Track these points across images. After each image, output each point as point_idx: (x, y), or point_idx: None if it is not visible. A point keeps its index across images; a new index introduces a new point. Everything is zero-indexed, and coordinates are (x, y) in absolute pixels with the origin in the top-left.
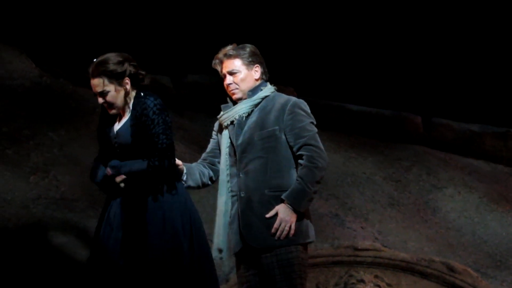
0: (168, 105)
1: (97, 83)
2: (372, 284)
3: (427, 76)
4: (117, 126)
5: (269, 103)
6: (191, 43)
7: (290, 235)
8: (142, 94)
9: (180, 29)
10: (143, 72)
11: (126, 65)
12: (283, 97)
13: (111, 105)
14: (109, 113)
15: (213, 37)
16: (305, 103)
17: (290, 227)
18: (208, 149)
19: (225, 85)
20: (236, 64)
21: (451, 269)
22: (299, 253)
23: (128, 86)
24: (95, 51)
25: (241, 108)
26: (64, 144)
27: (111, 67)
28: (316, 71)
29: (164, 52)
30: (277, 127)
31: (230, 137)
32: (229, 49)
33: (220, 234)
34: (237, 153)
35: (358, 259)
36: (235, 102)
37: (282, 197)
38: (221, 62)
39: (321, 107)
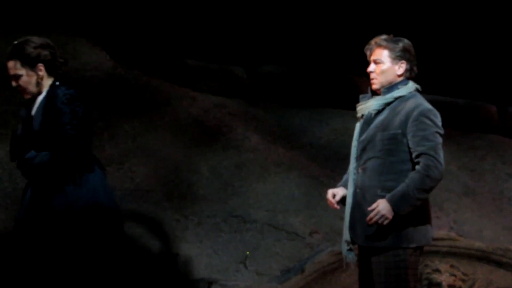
0: (242, 96)
1: (11, 66)
2: (447, 274)
3: (502, 64)
4: (32, 112)
5: (401, 104)
6: (265, 33)
7: (382, 226)
8: (57, 83)
9: (254, 19)
10: (62, 60)
11: (40, 50)
12: (415, 102)
13: (23, 89)
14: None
15: (286, 28)
16: (435, 112)
17: (382, 222)
18: None
19: (367, 71)
20: (383, 54)
21: None
22: (407, 256)
23: (41, 73)
24: (168, 43)
25: (372, 104)
26: (138, 135)
27: (26, 51)
28: None
29: (238, 43)
30: (399, 131)
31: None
32: (382, 38)
33: (346, 226)
34: (357, 149)
35: (434, 248)
36: (374, 93)
37: (386, 197)
38: (372, 49)
39: None
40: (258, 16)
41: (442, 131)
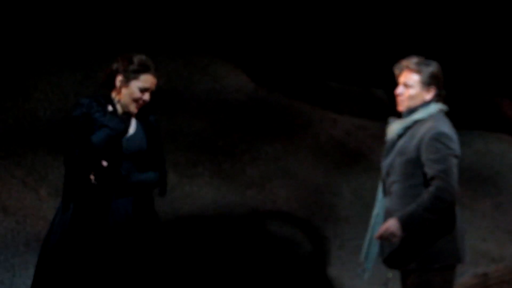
0: (383, 118)
1: (155, 81)
2: None
3: None
4: (130, 131)
5: (418, 127)
6: (405, 55)
7: (405, 249)
8: None
9: (394, 42)
10: None
11: None
12: (430, 125)
13: (143, 104)
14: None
15: (428, 51)
16: (448, 135)
17: (391, 239)
18: None
19: (395, 92)
20: (414, 79)
21: None
22: (430, 277)
23: None
24: (308, 65)
25: (394, 129)
26: (279, 157)
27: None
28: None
29: (379, 65)
30: (414, 155)
31: None
32: (414, 61)
33: (364, 247)
34: (383, 173)
35: None
36: (400, 115)
37: (397, 216)
38: (402, 70)
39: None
40: (398, 38)
41: (456, 153)
